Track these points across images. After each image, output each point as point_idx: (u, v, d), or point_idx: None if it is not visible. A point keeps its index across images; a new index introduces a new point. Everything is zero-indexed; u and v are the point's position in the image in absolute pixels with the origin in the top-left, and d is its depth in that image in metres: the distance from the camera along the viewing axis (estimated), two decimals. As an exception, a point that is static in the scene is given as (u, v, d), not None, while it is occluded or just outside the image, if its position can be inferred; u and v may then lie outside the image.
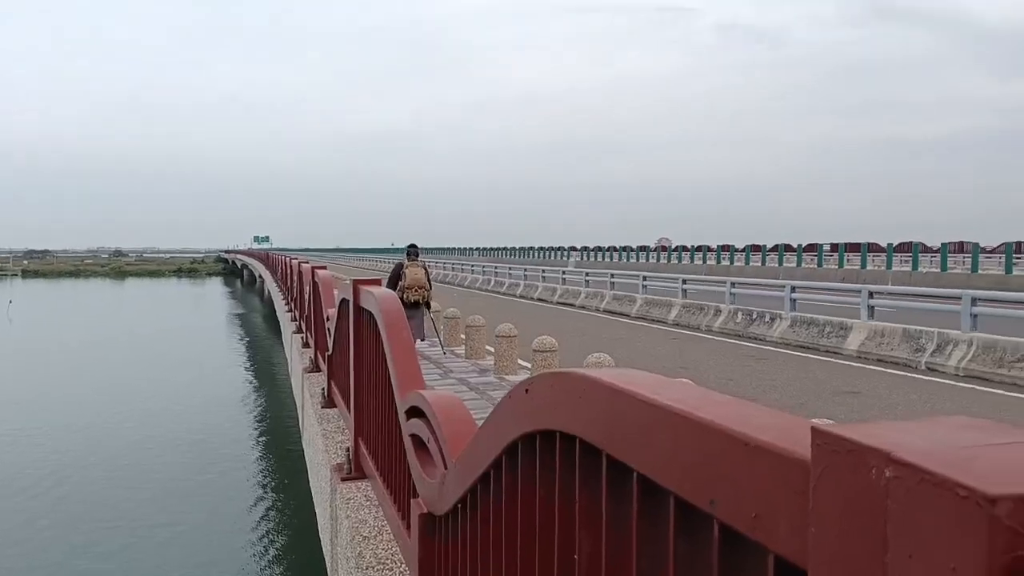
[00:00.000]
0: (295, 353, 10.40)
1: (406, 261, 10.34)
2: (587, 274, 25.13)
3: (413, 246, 10.50)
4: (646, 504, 0.86)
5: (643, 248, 50.15)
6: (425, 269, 10.34)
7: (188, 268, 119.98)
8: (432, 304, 10.77)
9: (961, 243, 39.28)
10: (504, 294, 29.51)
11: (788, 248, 41.88)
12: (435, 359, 10.86)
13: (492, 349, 10.57)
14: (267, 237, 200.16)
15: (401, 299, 8.37)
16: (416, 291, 9.96)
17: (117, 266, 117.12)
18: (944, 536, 0.46)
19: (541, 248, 64.32)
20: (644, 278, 21.30)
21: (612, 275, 23.05)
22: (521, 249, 66.99)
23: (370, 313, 3.30)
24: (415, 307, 9.69)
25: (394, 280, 10.13)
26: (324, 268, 7.85)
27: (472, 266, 38.29)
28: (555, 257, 58.26)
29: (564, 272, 27.49)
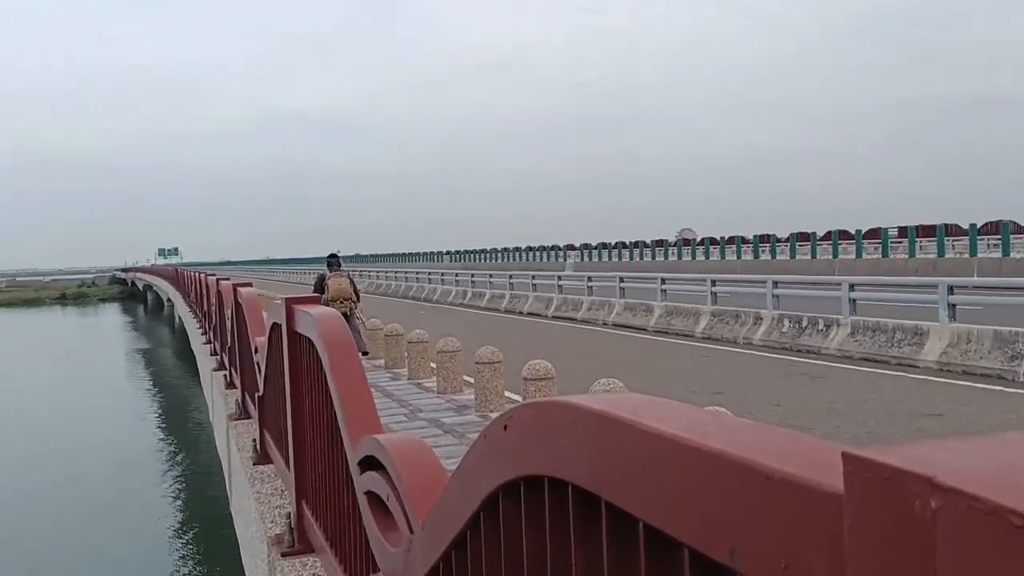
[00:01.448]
0: (217, 396, 10.38)
1: (328, 272, 12.48)
2: (590, 279, 25.24)
3: (334, 256, 12.69)
4: (656, 560, 0.89)
5: (660, 243, 50.43)
6: (350, 279, 12.54)
7: (75, 293, 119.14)
8: (361, 314, 12.65)
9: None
10: (485, 308, 29.57)
11: (845, 235, 42.29)
12: (400, 395, 10.87)
13: (472, 380, 10.59)
14: (175, 249, 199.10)
15: None
16: (341, 303, 11.92)
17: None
18: (1001, 573, 0.48)
19: (530, 248, 64.49)
20: (663, 281, 21.42)
21: (622, 279, 23.16)
22: (505, 251, 67.18)
23: (309, 340, 3.31)
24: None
25: (317, 291, 12.05)
26: (249, 285, 7.83)
27: (443, 275, 38.30)
28: (548, 259, 58.44)
29: (560, 277, 27.59)
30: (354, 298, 12.48)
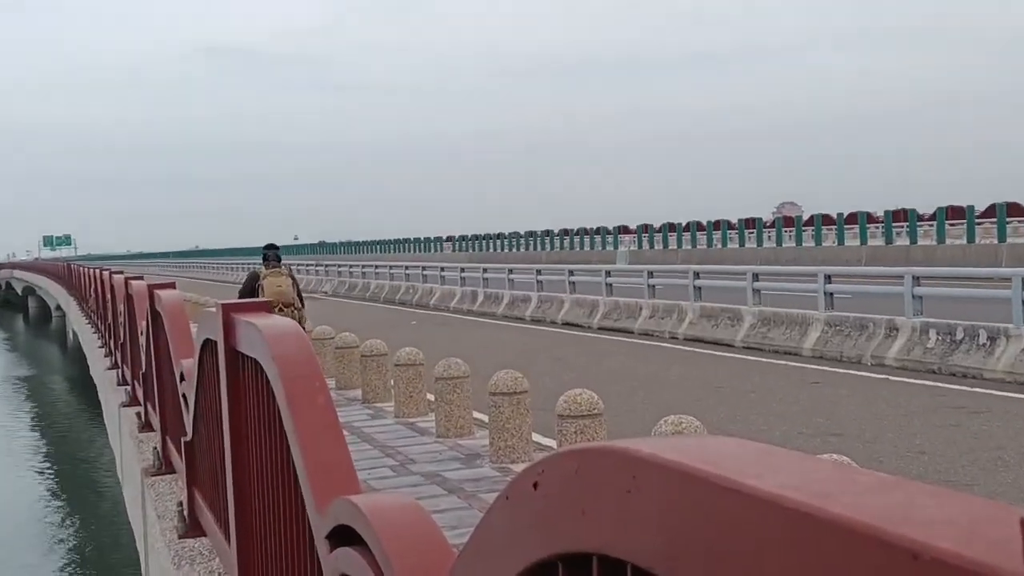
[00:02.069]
0: (127, 441, 10.46)
1: (263, 268, 12.84)
2: (651, 275, 25.25)
3: (272, 246, 13.10)
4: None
5: (751, 224, 50.31)
6: (292, 278, 12.88)
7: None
8: (306, 324, 12.83)
9: None
10: (504, 317, 29.67)
11: (1016, 210, 41.99)
12: (384, 440, 10.92)
13: (485, 418, 10.62)
14: (67, 238, 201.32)
15: None
16: (280, 311, 11.53)
17: None
18: None
19: (566, 233, 64.56)
20: (756, 277, 21.39)
21: (697, 275, 23.14)
22: (530, 236, 67.31)
23: (255, 363, 3.33)
24: None
25: (248, 295, 12.37)
26: (172, 287, 7.90)
27: (443, 271, 38.45)
28: (591, 246, 58.47)
29: (609, 273, 27.61)
30: (297, 303, 12.77)
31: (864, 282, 20.15)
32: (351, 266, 51.93)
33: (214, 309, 4.02)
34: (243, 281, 13.66)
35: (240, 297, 11.98)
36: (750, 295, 20.99)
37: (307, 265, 61.02)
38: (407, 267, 43.59)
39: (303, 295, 13.29)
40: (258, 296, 12.28)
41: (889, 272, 19.79)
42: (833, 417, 12.53)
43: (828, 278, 19.36)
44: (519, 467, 9.38)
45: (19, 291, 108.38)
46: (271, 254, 13.00)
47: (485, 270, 35.03)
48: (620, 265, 39.30)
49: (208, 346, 4.54)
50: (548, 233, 65.94)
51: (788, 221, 52.49)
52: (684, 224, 55.76)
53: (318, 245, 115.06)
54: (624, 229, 62.53)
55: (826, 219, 50.45)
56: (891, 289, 18.05)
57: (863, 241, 41.69)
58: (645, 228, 57.01)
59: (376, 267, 47.75)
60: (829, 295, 19.09)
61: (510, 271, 32.92)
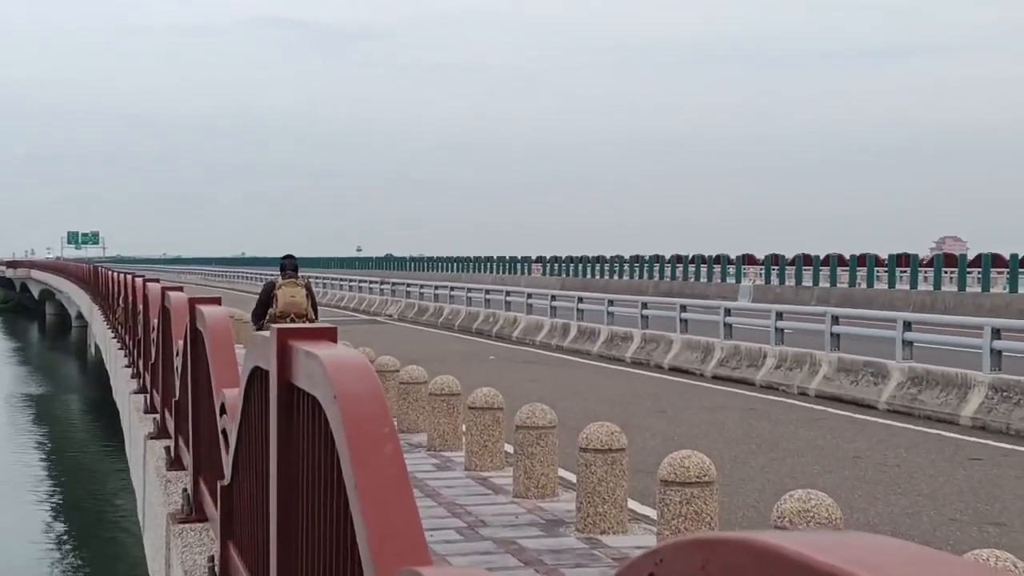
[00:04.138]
0: (152, 481, 10.58)
1: (279, 279, 15.05)
2: (780, 316, 25.02)
3: (290, 257, 15.47)
4: None
5: (903, 260, 49.68)
6: (308, 289, 15.09)
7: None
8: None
9: None
10: (599, 357, 29.63)
11: None
12: (452, 497, 10.94)
13: (572, 478, 10.60)
14: (94, 235, 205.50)
15: None
16: (292, 322, 13.78)
17: None
18: None
19: (679, 260, 64.32)
20: (907, 327, 21.11)
21: (836, 320, 22.91)
22: (636, 262, 67.24)
23: (315, 401, 3.37)
24: None
25: (263, 306, 14.94)
26: (217, 303, 8.03)
27: (530, 298, 38.52)
28: (708, 278, 58.12)
29: (730, 312, 27.42)
30: (311, 315, 14.81)
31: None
32: (421, 286, 52.15)
33: (269, 334, 4.06)
34: (261, 291, 15.82)
35: (257, 307, 15.25)
36: (899, 347, 20.69)
37: (370, 282, 61.41)
38: (487, 290, 43.73)
39: (317, 307, 15.44)
40: (272, 306, 14.65)
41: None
42: (995, 503, 12.28)
43: (996, 332, 19.00)
44: (609, 539, 9.34)
45: (36, 295, 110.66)
46: (288, 263, 15.27)
47: (580, 300, 34.98)
48: (742, 302, 39.04)
49: (257, 376, 4.59)
50: (657, 259, 65.69)
51: (949, 259, 51.81)
52: (822, 257, 55.14)
53: (384, 259, 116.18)
54: (749, 259, 62.23)
55: (996, 259, 49.60)
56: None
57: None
58: (774, 259, 56.49)
59: (451, 289, 47.97)
60: (997, 353, 18.73)
61: (610, 302, 32.83)
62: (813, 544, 0.98)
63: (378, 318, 49.30)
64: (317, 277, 68.12)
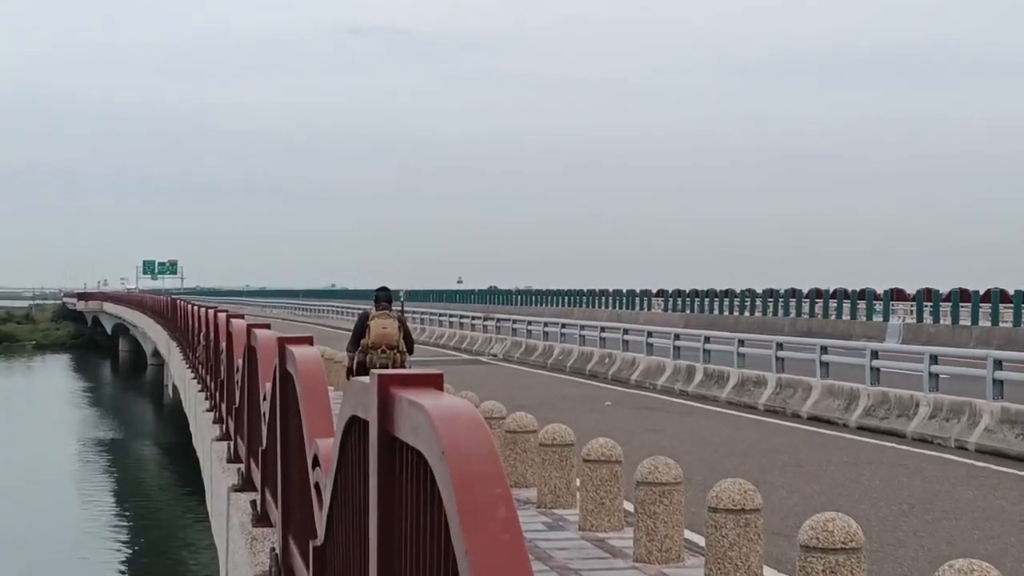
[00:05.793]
0: (236, 536, 10.67)
1: (373, 310, 16.62)
2: (934, 360, 24.67)
3: (384, 289, 17.13)
4: None
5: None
6: (401, 321, 16.77)
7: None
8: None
9: None
10: (728, 403, 29.39)
11: None
12: (564, 561, 10.94)
13: (700, 541, 10.57)
14: (172, 265, 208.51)
15: (363, 365, 15.69)
16: (383, 353, 15.92)
17: None
18: None
19: (819, 295, 63.64)
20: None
21: (999, 364, 22.54)
22: (769, 296, 66.60)
23: (420, 456, 3.40)
24: None
25: (357, 337, 16.57)
26: (309, 343, 8.14)
27: (650, 336, 38.37)
28: (852, 315, 57.41)
29: (877, 354, 27.09)
30: (401, 347, 16.33)
31: None
32: (529, 322, 52.05)
33: (369, 380, 4.06)
34: (356, 322, 17.53)
35: (352, 340, 16.80)
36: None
37: (472, 318, 61.46)
38: (603, 328, 43.58)
39: (412, 340, 17.05)
40: (366, 335, 16.24)
41: None
42: None
43: None
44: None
45: (108, 330, 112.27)
46: (382, 295, 16.96)
47: (707, 339, 34.74)
48: (891, 343, 38.58)
49: (355, 426, 4.57)
50: (794, 294, 64.98)
51: None
52: (982, 292, 54.18)
53: (488, 292, 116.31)
54: (898, 294, 61.23)
55: None
56: None
57: None
58: (927, 294, 55.67)
59: (562, 326, 47.83)
60: None
61: (741, 343, 32.57)
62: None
63: (481, 357, 49.37)
64: (413, 312, 68.28)
